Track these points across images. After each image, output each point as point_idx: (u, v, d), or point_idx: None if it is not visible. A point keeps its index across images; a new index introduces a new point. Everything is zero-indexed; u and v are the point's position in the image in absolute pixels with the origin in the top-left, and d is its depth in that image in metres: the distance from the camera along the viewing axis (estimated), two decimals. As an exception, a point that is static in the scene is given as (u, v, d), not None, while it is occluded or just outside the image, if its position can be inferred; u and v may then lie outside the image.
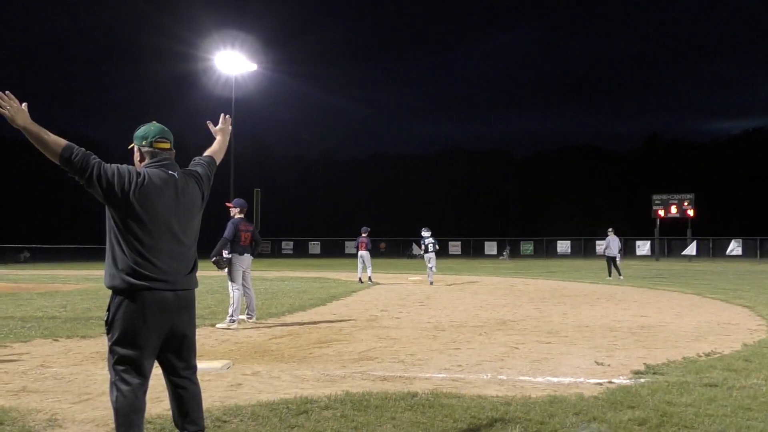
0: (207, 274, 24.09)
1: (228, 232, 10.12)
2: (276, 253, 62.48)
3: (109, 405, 3.52)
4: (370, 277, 20.59)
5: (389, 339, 8.71)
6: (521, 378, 6.13)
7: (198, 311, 11.35)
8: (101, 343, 8.04)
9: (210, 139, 4.34)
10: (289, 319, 10.89)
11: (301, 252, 63.40)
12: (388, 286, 19.56)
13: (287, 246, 65.30)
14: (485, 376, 6.20)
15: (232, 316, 9.81)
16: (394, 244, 62.36)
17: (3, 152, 76.09)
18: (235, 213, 10.46)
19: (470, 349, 7.83)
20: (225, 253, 10.00)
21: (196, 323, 5.71)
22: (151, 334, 3.47)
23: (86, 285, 18.32)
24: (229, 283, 10.18)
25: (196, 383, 3.77)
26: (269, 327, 9.89)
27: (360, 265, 20.87)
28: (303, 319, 10.92)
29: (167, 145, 3.73)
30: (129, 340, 3.43)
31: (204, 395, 5.29)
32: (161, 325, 3.50)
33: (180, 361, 3.68)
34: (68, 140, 3.45)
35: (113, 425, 3.52)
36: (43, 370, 6.40)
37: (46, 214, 71.98)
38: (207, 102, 70.14)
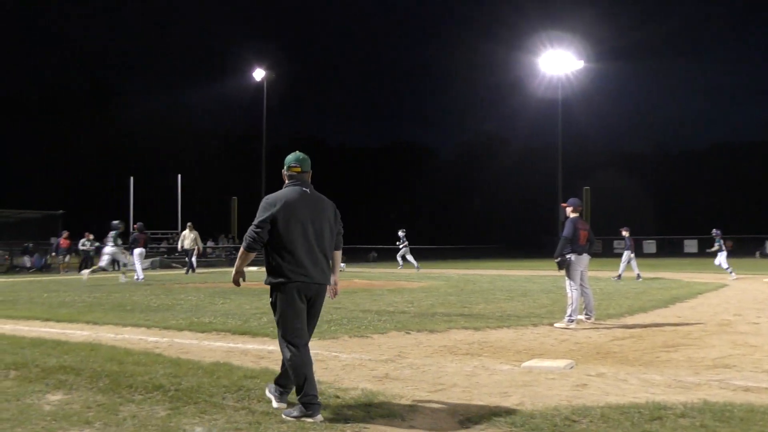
0: (541, 273, 24.28)
1: (568, 230, 10.07)
2: (608, 252, 60.43)
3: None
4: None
5: (747, 346, 7.87)
6: None
7: (533, 310, 11.55)
8: (448, 338, 8.57)
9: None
10: (629, 320, 10.45)
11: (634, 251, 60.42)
12: (740, 287, 17.71)
13: (619, 245, 62.68)
14: None
15: (570, 315, 9.73)
16: (742, 243, 56.24)
17: (352, 163, 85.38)
18: (570, 212, 10.39)
19: None
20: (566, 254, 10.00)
21: (533, 322, 8.56)
22: (300, 312, 4.82)
23: (427, 283, 19.61)
24: (567, 282, 10.10)
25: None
26: (609, 328, 9.60)
27: (634, 263, 21.76)
28: (644, 321, 10.40)
29: (298, 169, 5.04)
30: (287, 317, 4.80)
31: (549, 393, 5.36)
32: (303, 306, 4.83)
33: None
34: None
35: (293, 378, 4.69)
36: (400, 360, 7.00)
37: (392, 219, 78.98)
38: (529, 103, 70.74)
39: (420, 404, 5.05)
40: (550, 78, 45.83)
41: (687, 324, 9.96)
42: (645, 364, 6.80)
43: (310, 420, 4.53)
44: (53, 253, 30.38)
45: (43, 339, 8.35)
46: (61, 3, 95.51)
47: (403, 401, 5.14)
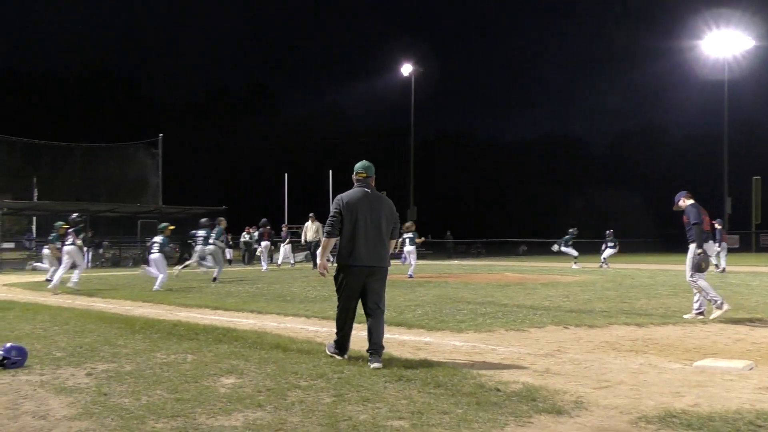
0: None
1: (696, 216, 9.55)
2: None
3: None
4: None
5: None
6: None
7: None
8: (609, 334, 8.23)
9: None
10: (813, 320, 9.55)
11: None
12: None
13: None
14: None
15: (715, 301, 9.28)
16: None
17: (501, 157, 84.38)
18: (685, 198, 10.00)
19: None
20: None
21: (702, 319, 9.08)
22: (353, 287, 6.33)
23: (583, 277, 18.99)
24: (690, 273, 9.62)
25: (379, 316, 6.34)
26: (790, 328, 8.82)
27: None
28: (832, 320, 9.46)
29: (364, 175, 6.56)
30: (343, 290, 6.41)
31: (728, 395, 5.00)
32: (358, 283, 6.31)
33: (369, 303, 6.36)
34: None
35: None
36: (560, 355, 6.79)
37: (543, 212, 77.34)
38: (691, 88, 66.66)
39: (585, 401, 4.86)
40: (714, 61, 42.82)
41: None
42: (837, 367, 6.18)
43: (339, 357, 6.37)
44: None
45: (215, 326, 8.89)
46: (220, 16, 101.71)
47: (567, 397, 4.97)
